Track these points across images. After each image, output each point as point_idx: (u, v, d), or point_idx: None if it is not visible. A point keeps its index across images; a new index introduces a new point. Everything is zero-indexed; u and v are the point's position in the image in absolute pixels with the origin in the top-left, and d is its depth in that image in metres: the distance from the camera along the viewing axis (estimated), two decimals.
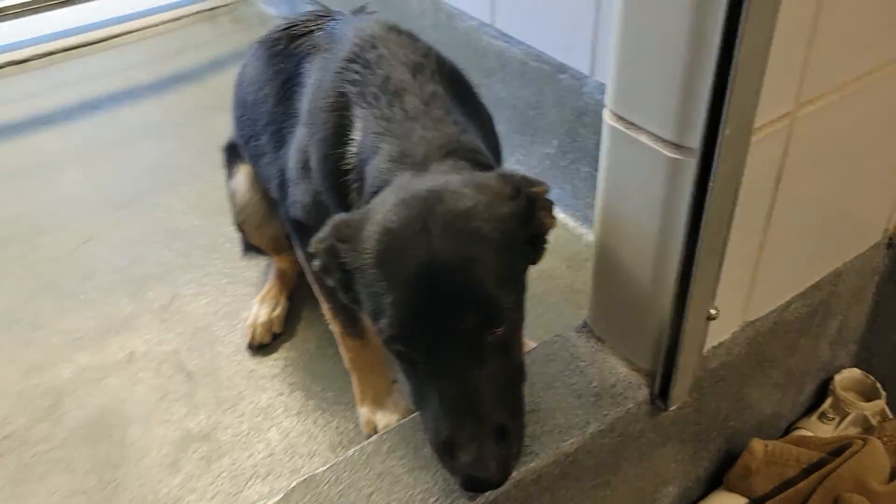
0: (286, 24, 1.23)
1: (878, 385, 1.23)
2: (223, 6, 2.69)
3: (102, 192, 1.93)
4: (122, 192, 1.92)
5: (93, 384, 1.43)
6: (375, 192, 0.89)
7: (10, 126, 2.16)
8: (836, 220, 1.02)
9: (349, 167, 0.99)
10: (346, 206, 1.00)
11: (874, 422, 1.21)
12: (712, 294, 0.85)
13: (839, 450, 1.11)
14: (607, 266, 0.93)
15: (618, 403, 0.92)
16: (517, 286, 0.84)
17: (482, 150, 0.96)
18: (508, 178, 0.85)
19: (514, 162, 1.81)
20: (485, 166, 0.93)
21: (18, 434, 1.34)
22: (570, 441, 0.88)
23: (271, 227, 1.44)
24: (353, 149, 0.99)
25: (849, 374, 1.25)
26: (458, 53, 1.82)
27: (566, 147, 1.67)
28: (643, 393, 0.93)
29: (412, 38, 1.10)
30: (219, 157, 1.49)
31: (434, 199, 0.81)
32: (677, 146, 0.77)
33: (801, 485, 1.05)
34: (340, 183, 1.01)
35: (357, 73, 1.02)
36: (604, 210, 0.90)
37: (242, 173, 1.41)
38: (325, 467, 0.87)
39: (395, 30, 1.10)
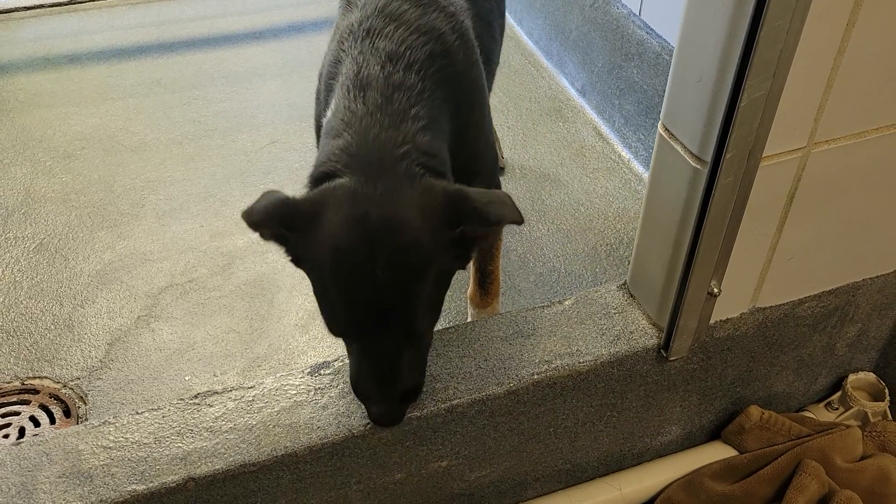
0: None
1: (886, 390, 1.41)
2: None
3: (291, 103, 2.32)
4: (306, 107, 2.28)
5: (258, 255, 1.83)
6: (325, 173, 0.98)
7: (231, 36, 2.60)
8: (854, 241, 1.21)
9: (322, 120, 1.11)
10: None
11: (873, 420, 1.40)
12: (711, 275, 1.09)
13: (826, 431, 1.32)
14: (644, 241, 1.19)
15: (630, 345, 1.18)
16: (440, 300, 1.00)
17: (437, 154, 1.02)
18: (454, 203, 0.94)
19: (636, 140, 2.04)
20: (437, 172, 1.00)
21: (200, 280, 1.77)
22: (584, 363, 1.16)
23: None
24: (325, 117, 1.09)
25: (864, 377, 1.43)
26: (607, 34, 2.06)
27: None
28: (653, 342, 1.19)
29: (409, 27, 1.09)
30: None
31: (382, 228, 0.92)
32: (697, 158, 1.01)
33: (778, 447, 1.28)
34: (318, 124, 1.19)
35: (347, 59, 1.08)
36: (647, 197, 1.15)
37: None
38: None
39: (390, 17, 1.10)
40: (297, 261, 1.00)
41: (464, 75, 1.15)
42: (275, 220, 0.95)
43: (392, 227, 0.93)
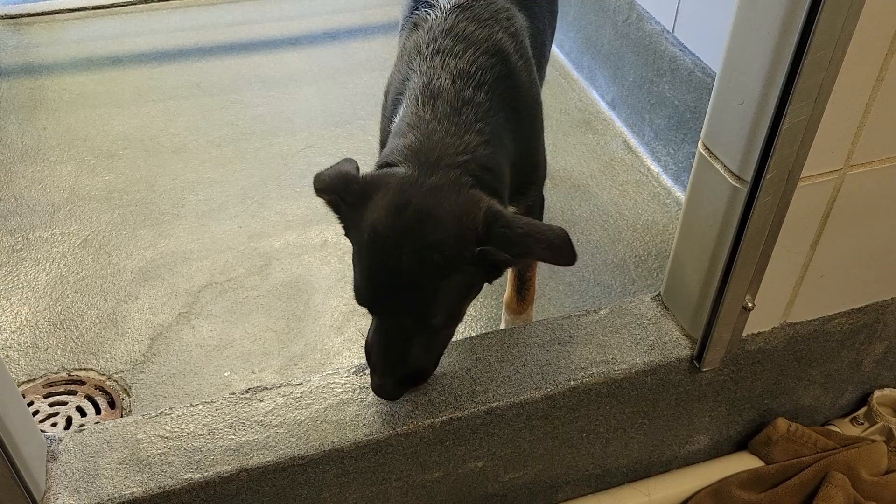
0: None
1: None
2: None
3: (326, 109, 2.38)
4: (341, 113, 2.36)
5: (294, 256, 1.88)
6: (387, 163, 1.07)
7: (268, 42, 2.66)
8: (885, 260, 1.24)
9: (387, 132, 1.21)
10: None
11: None
12: (746, 290, 1.13)
13: (851, 445, 1.35)
14: (680, 255, 1.23)
15: (664, 355, 1.22)
16: (460, 305, 1.07)
17: (494, 169, 1.09)
18: (489, 221, 0.99)
19: (665, 154, 2.08)
20: (490, 188, 1.06)
21: (238, 279, 1.83)
22: (618, 371, 1.20)
23: None
24: (392, 123, 1.17)
25: (889, 393, 1.46)
26: (639, 50, 2.10)
27: None
28: (686, 353, 1.23)
29: (479, 48, 1.16)
30: None
31: (416, 221, 0.99)
32: (737, 177, 1.05)
33: (805, 459, 1.31)
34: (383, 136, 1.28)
35: (416, 75, 1.16)
36: (685, 212, 1.19)
37: None
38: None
39: (458, 38, 1.17)
40: (347, 231, 1.08)
41: (526, 94, 1.22)
42: (335, 189, 1.05)
43: (425, 222, 1.00)
